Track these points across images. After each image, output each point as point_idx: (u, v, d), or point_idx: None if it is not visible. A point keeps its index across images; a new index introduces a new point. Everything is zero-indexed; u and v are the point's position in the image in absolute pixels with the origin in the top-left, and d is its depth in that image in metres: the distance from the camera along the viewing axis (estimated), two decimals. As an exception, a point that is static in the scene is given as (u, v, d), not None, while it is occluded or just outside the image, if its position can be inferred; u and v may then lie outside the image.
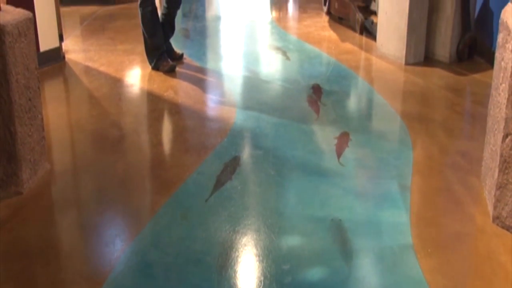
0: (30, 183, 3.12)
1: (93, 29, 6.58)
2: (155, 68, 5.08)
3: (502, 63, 2.70)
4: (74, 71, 5.17)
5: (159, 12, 5.16)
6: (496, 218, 2.75)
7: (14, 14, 3.00)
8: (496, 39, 2.99)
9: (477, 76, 4.89)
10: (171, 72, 5.02)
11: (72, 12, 7.29)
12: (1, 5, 3.01)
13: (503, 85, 2.65)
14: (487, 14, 5.18)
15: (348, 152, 3.56)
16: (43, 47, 5.04)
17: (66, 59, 5.39)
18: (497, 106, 2.78)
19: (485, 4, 5.20)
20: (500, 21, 2.83)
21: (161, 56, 5.07)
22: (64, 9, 6.32)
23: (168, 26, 5.19)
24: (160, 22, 5.10)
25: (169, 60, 5.11)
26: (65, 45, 5.64)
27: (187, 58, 5.45)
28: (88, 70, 5.19)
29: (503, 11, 2.86)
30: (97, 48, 5.82)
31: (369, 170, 3.39)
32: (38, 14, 4.92)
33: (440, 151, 3.58)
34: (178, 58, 5.35)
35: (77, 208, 3.06)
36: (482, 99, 4.28)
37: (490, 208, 2.83)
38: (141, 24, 5.04)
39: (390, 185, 3.17)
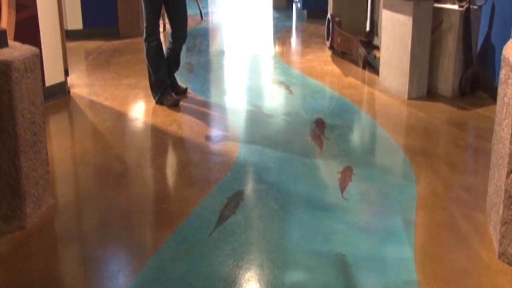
0: (34, 218, 3.12)
1: (98, 64, 6.64)
2: (159, 102, 5.11)
3: (505, 98, 2.72)
4: (78, 105, 5.21)
5: (164, 47, 5.21)
6: (502, 255, 2.73)
7: (21, 50, 3.04)
8: (498, 74, 3.02)
9: (480, 110, 4.90)
10: (175, 106, 5.06)
11: (77, 47, 7.37)
12: (9, 41, 3.05)
13: (506, 120, 2.66)
14: (489, 50, 5.22)
15: (352, 187, 3.56)
16: (48, 82, 5.09)
17: (71, 93, 5.44)
18: (500, 141, 2.78)
19: (487, 40, 5.25)
20: (502, 57, 2.86)
21: (165, 91, 5.12)
22: (70, 44, 6.39)
23: (173, 61, 5.25)
24: (165, 57, 5.16)
25: (173, 94, 5.15)
26: (70, 80, 5.69)
27: (191, 92, 5.49)
28: (92, 104, 5.23)
29: (505, 48, 2.89)
30: (101, 82, 5.87)
31: (373, 204, 3.38)
32: (45, 50, 4.98)
33: (444, 186, 3.57)
34: (182, 92, 5.39)
35: (80, 243, 3.05)
36: (485, 133, 4.28)
37: (495, 244, 2.81)
38: (145, 59, 5.10)
39: (394, 220, 3.16)
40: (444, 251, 2.86)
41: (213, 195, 3.48)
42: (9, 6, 3.95)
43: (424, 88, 5.28)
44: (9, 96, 2.86)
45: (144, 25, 5.01)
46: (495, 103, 3.05)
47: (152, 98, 5.19)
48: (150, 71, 5.10)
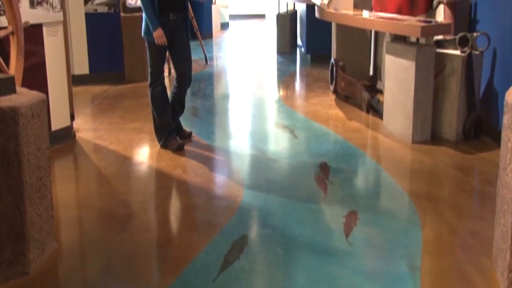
0: (37, 263, 3.10)
1: (104, 108, 6.70)
2: (164, 146, 5.14)
3: (509, 144, 2.73)
4: (84, 150, 5.23)
5: (169, 91, 5.27)
6: (509, 301, 2.70)
7: (28, 96, 3.08)
8: (501, 118, 3.03)
9: (484, 155, 4.91)
10: (179, 150, 5.08)
11: (83, 91, 7.45)
12: (17, 87, 3.09)
13: (511, 166, 2.67)
14: (491, 94, 5.26)
15: (357, 231, 3.54)
16: (54, 126, 5.13)
17: (77, 137, 5.48)
18: (505, 186, 2.78)
19: (489, 84, 5.29)
20: (505, 102, 2.88)
21: (170, 135, 5.15)
22: (76, 89, 6.47)
23: (178, 105, 5.29)
24: (170, 101, 5.21)
25: (177, 138, 5.18)
26: (76, 124, 5.74)
27: (195, 136, 5.52)
28: (97, 148, 5.26)
29: (507, 93, 2.91)
30: (107, 126, 5.92)
31: (378, 249, 3.36)
32: (51, 95, 5.04)
33: (450, 231, 3.55)
34: (187, 136, 5.43)
35: (84, 289, 3.03)
36: (490, 178, 4.28)
37: (502, 290, 2.78)
38: (150, 104, 5.15)
39: (400, 265, 3.14)
40: (451, 297, 2.83)
41: (217, 239, 3.46)
42: (18, 53, 4.02)
43: (428, 132, 5.30)
44: (15, 141, 2.89)
45: (149, 70, 5.08)
46: (499, 148, 3.06)
47: (157, 142, 5.22)
48: (155, 115, 5.15)
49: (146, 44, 5.03)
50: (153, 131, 5.26)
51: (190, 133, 5.50)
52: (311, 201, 4.04)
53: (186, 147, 5.18)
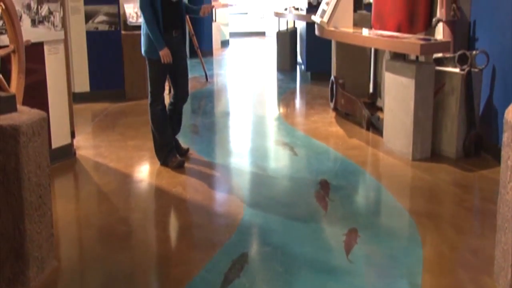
0: (37, 281, 3.09)
1: (104, 126, 6.71)
2: (164, 164, 5.15)
3: (509, 161, 2.73)
4: (84, 167, 5.24)
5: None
6: (511, 320, 2.68)
7: (29, 114, 3.09)
8: (501, 136, 3.04)
9: (484, 172, 4.91)
10: (180, 168, 5.09)
11: (84, 109, 7.47)
12: (18, 106, 3.10)
13: (511, 183, 2.67)
14: (491, 112, 5.27)
15: (357, 249, 3.53)
16: (55, 144, 5.14)
17: (77, 155, 5.48)
18: (506, 204, 2.78)
19: (489, 102, 5.31)
20: (504, 120, 2.89)
21: (170, 153, 5.15)
22: (76, 106, 6.49)
23: (175, 121, 5.30)
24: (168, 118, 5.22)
25: (177, 156, 5.18)
26: (77, 142, 5.74)
27: (195, 154, 5.53)
28: (98, 166, 5.26)
29: (506, 111, 2.92)
30: (107, 144, 5.92)
31: (379, 267, 3.35)
32: (52, 113, 5.06)
33: (451, 249, 3.54)
34: (185, 152, 5.43)
35: (83, 307, 3.02)
36: (490, 195, 4.27)
37: (504, 308, 2.77)
38: (150, 122, 5.15)
39: (401, 283, 3.13)
40: (452, 316, 2.82)
41: (217, 257, 3.45)
42: (19, 71, 4.03)
43: (428, 149, 5.30)
44: (16, 159, 2.89)
45: (149, 89, 5.08)
46: (499, 165, 3.06)
47: (156, 159, 5.22)
48: (156, 134, 5.16)
49: (148, 63, 5.02)
50: (153, 149, 5.26)
51: (187, 150, 5.50)
52: (312, 219, 4.04)
53: (186, 164, 5.18)
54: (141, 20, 4.98)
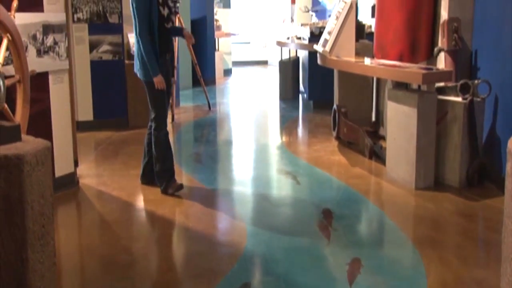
0: (38, 312, 3.07)
1: (107, 154, 6.73)
2: (165, 191, 5.15)
3: (512, 191, 2.72)
4: (87, 196, 5.23)
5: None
6: None
7: (33, 143, 3.09)
8: (505, 164, 3.03)
9: (488, 201, 4.89)
10: (179, 190, 5.12)
11: (87, 137, 7.50)
12: (22, 135, 3.11)
13: (515, 213, 2.65)
14: (494, 141, 5.27)
15: (361, 279, 3.51)
16: (58, 173, 5.15)
17: (80, 184, 5.48)
18: (510, 234, 2.76)
19: (492, 131, 5.31)
20: (507, 150, 2.88)
21: (171, 179, 5.17)
22: (80, 135, 6.50)
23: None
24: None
25: (176, 180, 5.20)
26: (80, 170, 5.75)
27: (198, 183, 5.53)
28: (100, 194, 5.26)
29: (510, 141, 2.92)
30: (110, 172, 5.93)
31: (383, 298, 3.32)
32: (56, 141, 5.08)
33: (455, 279, 3.51)
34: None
35: (85, 338, 3.00)
36: (495, 225, 4.26)
37: None
38: (154, 149, 5.16)
39: (405, 314, 3.10)
40: None
41: (220, 287, 3.43)
42: (24, 101, 4.06)
43: (431, 178, 5.29)
44: (19, 189, 2.89)
45: (153, 114, 5.10)
46: (503, 194, 3.05)
47: (159, 188, 5.22)
48: (159, 160, 5.16)
49: (147, 87, 5.04)
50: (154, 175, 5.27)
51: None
52: (315, 248, 4.02)
53: (189, 192, 5.18)
54: (136, 45, 5.02)
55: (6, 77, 4.03)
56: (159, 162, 5.17)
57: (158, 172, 5.21)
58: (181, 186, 5.17)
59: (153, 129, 5.12)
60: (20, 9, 4.39)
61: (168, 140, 5.17)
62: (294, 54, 11.65)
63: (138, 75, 5.07)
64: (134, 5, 4.84)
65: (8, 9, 4.18)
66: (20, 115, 4.04)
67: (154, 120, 5.11)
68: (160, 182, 5.21)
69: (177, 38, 8.36)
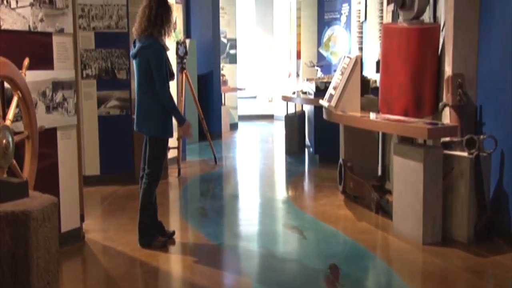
0: None
1: (113, 209, 6.72)
2: (148, 244, 5.16)
3: (521, 248, 2.70)
4: (93, 251, 5.21)
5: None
6: None
7: (40, 199, 3.11)
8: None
9: (497, 258, 4.82)
10: (163, 248, 5.13)
11: (94, 192, 7.50)
12: (29, 191, 3.14)
13: (524, 271, 2.63)
14: (502, 196, 5.25)
15: (370, 338, 3.45)
16: (64, 228, 5.13)
17: (86, 238, 5.46)
18: (520, 292, 2.73)
19: (499, 186, 5.30)
20: (514, 206, 2.88)
21: (155, 233, 5.23)
22: (86, 189, 6.51)
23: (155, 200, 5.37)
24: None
25: (160, 236, 5.23)
26: (86, 225, 5.73)
27: (204, 237, 5.50)
28: (106, 249, 5.23)
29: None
30: (116, 227, 5.91)
31: None
32: (62, 196, 5.08)
33: (466, 338, 3.45)
34: (170, 236, 5.42)
35: None
36: (505, 282, 4.20)
37: None
38: (143, 201, 5.17)
39: None
40: None
41: None
42: (32, 157, 4.10)
43: (439, 233, 5.25)
44: (26, 245, 2.89)
45: (152, 169, 5.10)
46: None
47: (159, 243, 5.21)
48: (147, 213, 5.18)
49: (156, 144, 5.07)
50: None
51: (173, 232, 5.49)
52: (322, 306, 3.96)
53: (194, 248, 5.15)
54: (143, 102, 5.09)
55: (15, 133, 4.08)
56: (148, 215, 5.19)
57: (144, 226, 5.20)
58: (165, 243, 5.20)
59: (147, 183, 5.13)
60: (31, 67, 4.47)
61: (155, 195, 5.22)
62: (300, 108, 11.75)
63: (144, 132, 5.11)
64: (155, 61, 4.91)
65: (20, 67, 4.27)
66: (27, 171, 4.07)
67: (151, 175, 5.12)
68: (145, 235, 5.19)
69: (184, 93, 8.47)
